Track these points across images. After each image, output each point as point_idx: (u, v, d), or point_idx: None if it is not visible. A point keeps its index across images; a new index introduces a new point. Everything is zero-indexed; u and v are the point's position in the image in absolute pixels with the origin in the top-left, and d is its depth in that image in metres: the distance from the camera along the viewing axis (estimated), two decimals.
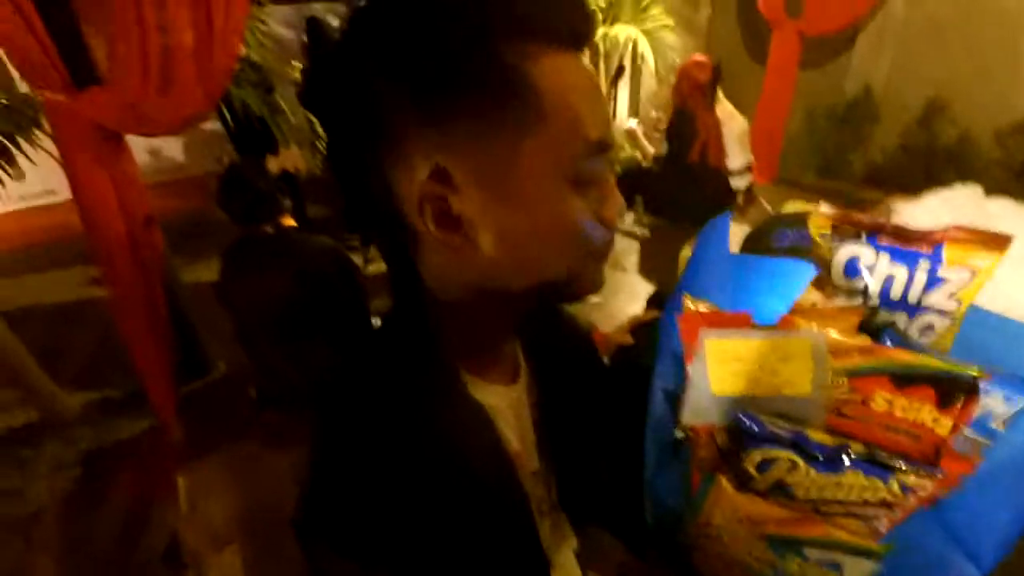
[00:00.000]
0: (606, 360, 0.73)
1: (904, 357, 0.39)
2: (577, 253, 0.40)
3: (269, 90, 2.24)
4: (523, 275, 0.40)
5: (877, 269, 0.46)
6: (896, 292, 0.45)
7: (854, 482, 0.39)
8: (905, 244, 0.46)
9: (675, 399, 0.49)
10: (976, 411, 0.37)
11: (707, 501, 0.46)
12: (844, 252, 0.48)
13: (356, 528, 0.41)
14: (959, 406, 0.37)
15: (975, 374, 0.36)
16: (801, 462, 0.41)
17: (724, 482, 0.44)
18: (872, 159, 3.31)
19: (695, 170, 2.88)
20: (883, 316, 0.46)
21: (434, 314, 0.45)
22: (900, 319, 0.45)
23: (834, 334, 0.42)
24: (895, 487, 0.38)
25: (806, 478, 0.40)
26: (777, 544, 0.42)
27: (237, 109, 1.79)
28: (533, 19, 0.35)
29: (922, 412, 0.38)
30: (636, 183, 3.20)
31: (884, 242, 0.47)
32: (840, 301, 0.48)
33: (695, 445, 0.48)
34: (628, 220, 3.34)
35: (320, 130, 2.11)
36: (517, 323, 0.49)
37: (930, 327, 0.44)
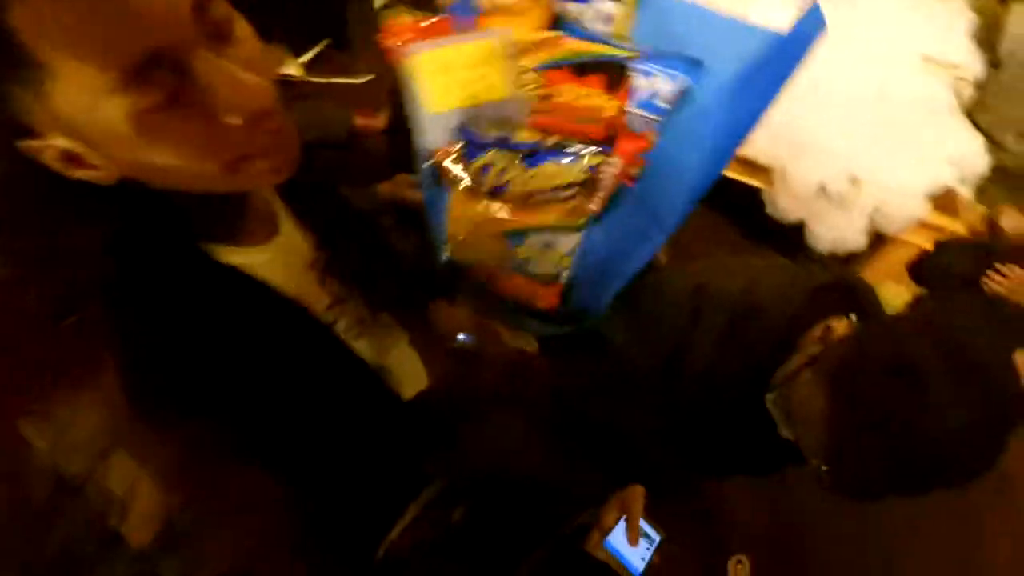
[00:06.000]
0: None
1: (579, 46, 0.43)
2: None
3: None
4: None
5: None
6: None
7: (550, 171, 0.46)
8: None
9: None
10: (637, 89, 0.42)
11: (451, 215, 0.51)
12: None
13: (177, 384, 0.47)
14: (621, 87, 0.42)
15: (627, 54, 0.41)
16: (510, 161, 0.47)
17: (457, 191, 0.50)
18: None
19: None
20: (566, 9, 0.48)
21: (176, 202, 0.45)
22: (576, 9, 0.48)
23: (521, 32, 0.44)
24: (582, 168, 0.46)
25: (516, 174, 0.47)
26: (511, 237, 0.50)
27: None
28: None
29: (596, 98, 0.44)
30: None
31: None
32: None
33: (440, 167, 0.51)
34: None
35: None
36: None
37: (609, 17, 0.48)
